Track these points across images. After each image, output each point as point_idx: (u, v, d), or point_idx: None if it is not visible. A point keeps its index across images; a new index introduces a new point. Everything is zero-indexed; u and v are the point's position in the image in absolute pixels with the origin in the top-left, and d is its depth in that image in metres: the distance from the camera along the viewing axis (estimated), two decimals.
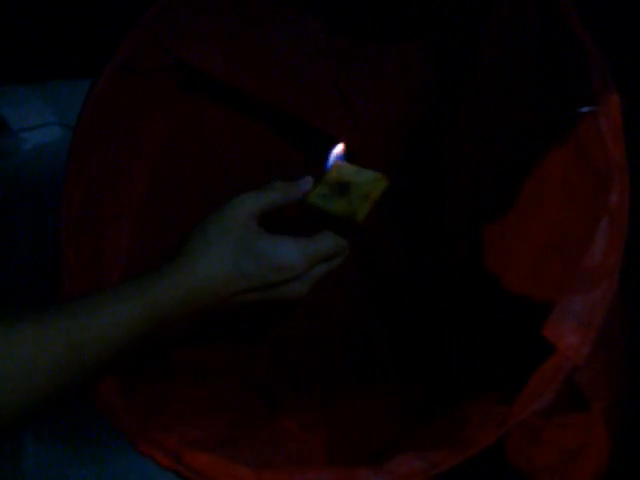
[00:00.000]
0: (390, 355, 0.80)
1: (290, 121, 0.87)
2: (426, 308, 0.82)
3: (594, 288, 0.68)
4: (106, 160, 0.78)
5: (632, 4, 0.86)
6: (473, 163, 0.83)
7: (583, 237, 0.70)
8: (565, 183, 0.75)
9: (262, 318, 0.75)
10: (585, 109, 0.72)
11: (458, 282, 0.83)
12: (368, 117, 0.87)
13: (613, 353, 0.75)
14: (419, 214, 0.88)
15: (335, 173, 0.78)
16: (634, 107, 0.73)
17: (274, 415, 0.76)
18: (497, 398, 0.69)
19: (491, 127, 0.81)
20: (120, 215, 0.79)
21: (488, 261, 0.83)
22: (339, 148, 0.77)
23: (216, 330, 0.77)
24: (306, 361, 0.81)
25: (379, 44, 0.85)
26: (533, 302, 0.74)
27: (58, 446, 0.69)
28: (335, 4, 0.85)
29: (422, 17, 0.83)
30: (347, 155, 0.80)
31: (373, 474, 0.66)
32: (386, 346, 0.81)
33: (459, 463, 0.67)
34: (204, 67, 0.84)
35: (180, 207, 0.85)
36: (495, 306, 0.78)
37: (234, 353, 0.79)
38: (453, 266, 0.85)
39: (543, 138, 0.76)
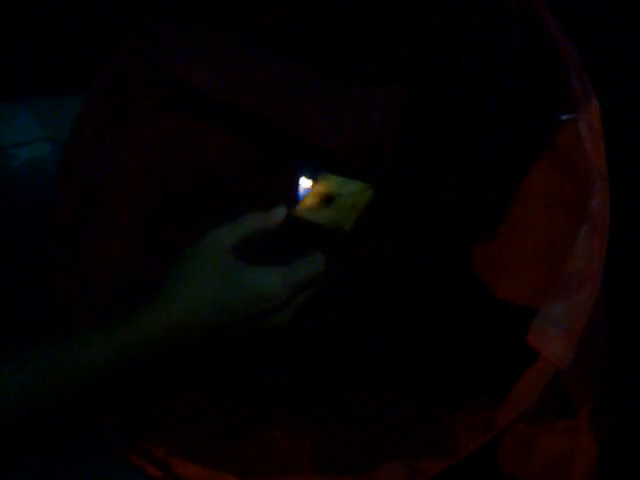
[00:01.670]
0: (377, 363, 0.81)
1: (276, 134, 0.88)
2: (414, 315, 0.83)
3: (576, 294, 0.68)
4: (95, 176, 0.79)
5: (611, 9, 0.87)
6: (457, 173, 0.84)
7: (566, 243, 0.70)
8: (548, 189, 0.76)
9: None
10: (565, 116, 0.73)
11: (446, 289, 0.84)
12: (354, 127, 0.88)
13: (597, 358, 0.76)
14: (409, 222, 0.89)
15: (321, 185, 0.79)
16: (614, 113, 0.74)
17: (261, 424, 0.76)
18: (483, 404, 0.69)
19: (473, 137, 0.82)
20: (109, 230, 0.79)
21: (476, 267, 0.83)
22: (306, 184, 0.78)
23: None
24: (293, 370, 0.81)
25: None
26: (519, 308, 0.75)
27: (47, 459, 0.69)
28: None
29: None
30: (332, 166, 0.81)
31: None
32: (374, 354, 0.82)
33: (445, 469, 0.68)
34: (189, 81, 0.85)
35: (169, 221, 0.85)
36: (482, 312, 0.78)
37: (220, 364, 0.80)
38: (441, 273, 0.85)
39: (525, 146, 0.76)
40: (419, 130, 0.85)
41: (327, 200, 0.78)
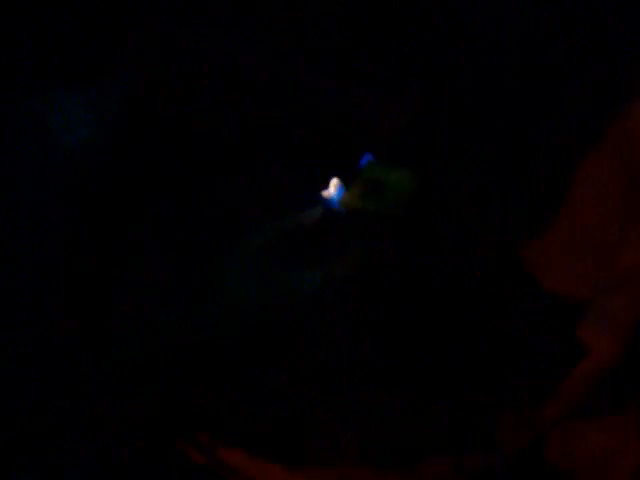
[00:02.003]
0: (417, 361, 0.80)
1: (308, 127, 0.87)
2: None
3: (629, 289, 0.67)
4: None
5: None
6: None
7: (616, 237, 0.69)
8: (598, 182, 0.74)
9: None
10: (619, 107, 0.71)
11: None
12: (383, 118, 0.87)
13: None
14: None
15: (369, 172, 0.79)
16: None
17: (310, 411, 0.76)
18: (529, 401, 0.68)
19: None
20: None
21: (526, 260, 0.82)
22: (333, 185, 0.78)
23: None
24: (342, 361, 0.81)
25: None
26: (565, 302, 0.73)
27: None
28: None
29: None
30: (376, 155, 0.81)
31: (404, 474, 0.66)
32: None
33: (491, 465, 0.67)
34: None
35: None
36: (529, 306, 0.77)
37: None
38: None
39: (574, 138, 0.75)
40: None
41: (375, 187, 0.77)
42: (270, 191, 0.89)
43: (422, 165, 0.81)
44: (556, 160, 0.79)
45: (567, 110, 0.79)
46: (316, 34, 0.87)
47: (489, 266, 0.83)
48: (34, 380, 0.70)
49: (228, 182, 0.87)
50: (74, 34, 0.93)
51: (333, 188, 0.78)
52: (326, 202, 0.76)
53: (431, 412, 0.73)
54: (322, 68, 0.88)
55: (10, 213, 0.80)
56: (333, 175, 0.78)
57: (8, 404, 0.68)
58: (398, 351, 0.81)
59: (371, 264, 0.83)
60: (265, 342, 0.76)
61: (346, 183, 0.79)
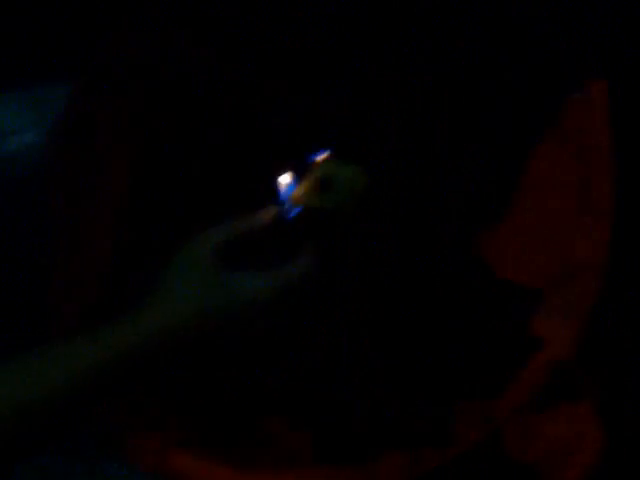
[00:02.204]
0: (376, 355, 0.79)
1: (261, 127, 0.86)
2: (413, 313, 0.81)
3: (581, 281, 0.67)
4: (80, 171, 0.78)
5: None
6: (463, 158, 0.82)
7: (570, 228, 0.69)
8: (552, 173, 0.74)
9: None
10: (571, 96, 0.71)
11: (446, 285, 0.82)
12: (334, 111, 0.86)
13: (602, 346, 0.74)
14: (408, 219, 0.87)
15: (320, 169, 0.77)
16: (621, 94, 0.72)
17: (262, 416, 0.75)
18: (485, 394, 0.68)
19: (477, 122, 0.80)
20: (95, 229, 0.78)
21: (483, 252, 0.82)
22: (287, 178, 0.76)
23: None
24: (295, 362, 0.80)
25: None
26: (522, 294, 0.73)
27: (43, 458, 0.68)
28: None
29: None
30: (329, 152, 0.79)
31: (357, 473, 0.65)
32: (372, 346, 0.80)
33: (447, 460, 0.67)
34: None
35: (159, 221, 0.84)
36: (484, 299, 0.77)
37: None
38: (441, 270, 0.84)
39: (529, 129, 0.74)
40: (417, 123, 0.84)
41: (324, 184, 0.76)
42: (220, 191, 0.87)
43: (373, 161, 0.80)
44: (510, 151, 0.79)
45: (518, 101, 0.78)
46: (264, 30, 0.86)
47: (445, 258, 0.83)
48: None
49: (176, 184, 0.86)
50: (16, 37, 0.91)
51: (285, 186, 0.76)
52: (278, 201, 0.75)
53: (384, 406, 0.72)
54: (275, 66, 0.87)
55: None
56: (284, 172, 0.77)
57: None
58: (350, 344, 0.81)
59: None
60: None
61: (297, 180, 0.77)
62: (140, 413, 0.71)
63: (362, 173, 0.76)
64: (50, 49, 0.91)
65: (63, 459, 0.70)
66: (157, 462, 0.68)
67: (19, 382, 0.59)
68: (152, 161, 0.85)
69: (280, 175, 0.76)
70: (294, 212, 0.74)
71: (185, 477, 0.67)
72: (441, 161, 0.83)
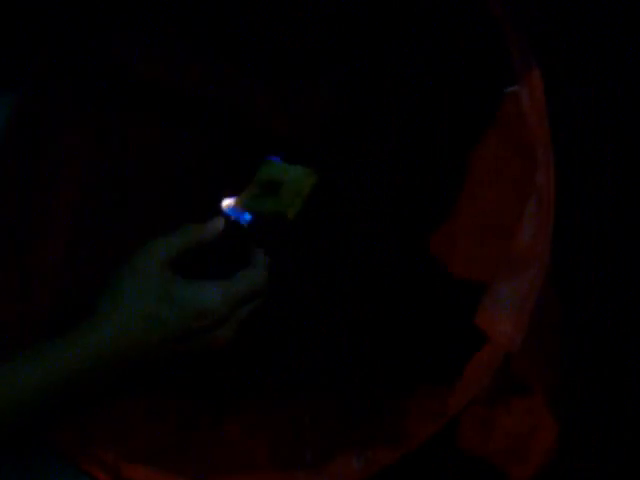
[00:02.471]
0: (329, 354, 0.79)
1: (218, 123, 0.86)
2: (362, 300, 0.81)
3: (523, 272, 0.67)
4: (30, 174, 0.77)
5: None
6: (403, 152, 0.82)
7: (511, 221, 0.69)
8: (494, 165, 0.74)
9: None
10: (507, 89, 0.71)
11: (396, 271, 0.82)
12: (299, 107, 0.86)
13: (550, 337, 0.75)
14: (356, 203, 0.87)
15: (264, 172, 0.77)
16: (557, 85, 0.72)
17: (217, 422, 0.75)
18: (435, 391, 0.68)
19: (414, 117, 0.80)
20: (47, 232, 0.78)
21: (432, 246, 0.82)
22: (230, 202, 0.75)
23: None
24: (250, 364, 0.80)
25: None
26: (470, 287, 0.73)
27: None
28: None
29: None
30: (278, 151, 0.79)
31: (310, 476, 0.65)
32: (324, 345, 0.80)
33: (398, 458, 0.67)
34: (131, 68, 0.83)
35: (112, 226, 0.83)
36: (430, 294, 0.77)
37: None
38: (392, 254, 0.84)
39: (468, 122, 0.75)
40: (362, 108, 0.84)
41: (270, 187, 0.75)
42: (169, 200, 0.87)
43: (320, 162, 0.80)
44: (454, 145, 0.79)
45: (460, 94, 0.79)
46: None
47: (394, 254, 0.83)
48: None
49: (127, 196, 0.86)
50: None
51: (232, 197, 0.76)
52: (227, 211, 0.74)
53: (335, 406, 0.73)
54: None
55: None
56: (232, 178, 0.76)
57: None
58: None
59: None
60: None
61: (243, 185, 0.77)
62: (94, 425, 0.71)
63: (310, 174, 0.76)
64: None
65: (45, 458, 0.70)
66: (112, 475, 0.68)
67: None
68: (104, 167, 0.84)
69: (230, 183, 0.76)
70: (243, 220, 0.74)
71: None
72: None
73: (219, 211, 0.73)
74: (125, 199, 0.83)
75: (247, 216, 0.74)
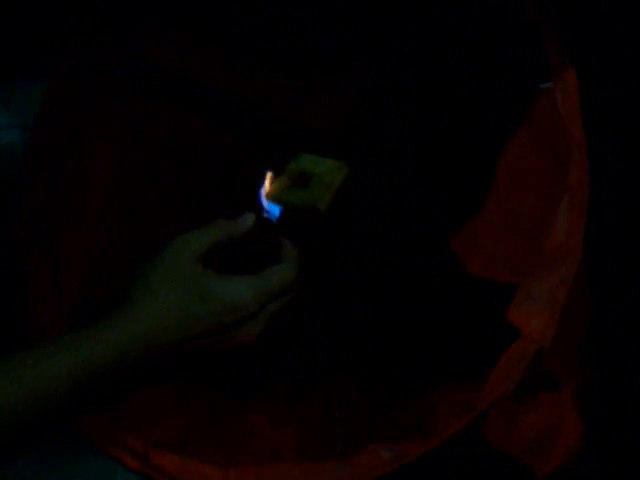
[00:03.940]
0: (356, 349, 0.79)
1: (249, 117, 0.86)
2: (389, 297, 0.82)
3: (556, 269, 0.67)
4: (64, 164, 0.77)
5: None
6: (431, 150, 0.83)
7: (542, 218, 0.69)
8: (521, 164, 0.74)
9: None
10: (541, 86, 0.71)
11: (423, 268, 0.83)
12: (328, 99, 0.86)
13: (581, 334, 0.75)
14: (384, 199, 0.87)
15: (296, 165, 0.77)
16: (592, 84, 0.72)
17: (243, 412, 0.75)
18: (465, 385, 0.68)
19: (443, 114, 0.81)
20: (78, 222, 0.78)
21: (453, 245, 0.82)
22: (261, 192, 0.75)
23: None
24: (275, 358, 0.80)
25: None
26: (496, 285, 0.74)
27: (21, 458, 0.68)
28: None
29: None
30: (309, 145, 0.80)
31: (339, 467, 0.65)
32: (351, 341, 0.81)
33: (428, 451, 0.67)
34: (162, 61, 0.83)
35: (145, 215, 0.83)
36: (459, 291, 0.77)
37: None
38: (419, 252, 0.84)
39: (498, 119, 0.75)
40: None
41: (301, 180, 0.75)
42: (199, 195, 0.87)
43: (350, 156, 0.80)
44: (483, 144, 0.79)
45: (492, 94, 0.79)
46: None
47: (418, 254, 0.83)
48: None
49: (156, 191, 0.86)
50: None
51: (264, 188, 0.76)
52: (260, 205, 0.74)
53: (364, 399, 0.73)
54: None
55: None
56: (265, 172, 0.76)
57: None
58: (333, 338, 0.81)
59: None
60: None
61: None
62: (123, 413, 0.71)
63: (340, 167, 0.76)
64: (28, 46, 0.91)
65: (38, 463, 0.70)
66: (141, 461, 0.68)
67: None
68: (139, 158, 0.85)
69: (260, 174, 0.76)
70: (274, 214, 0.74)
71: (169, 476, 0.67)
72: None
73: (253, 202, 0.73)
74: (156, 189, 0.83)
75: (277, 208, 0.74)
